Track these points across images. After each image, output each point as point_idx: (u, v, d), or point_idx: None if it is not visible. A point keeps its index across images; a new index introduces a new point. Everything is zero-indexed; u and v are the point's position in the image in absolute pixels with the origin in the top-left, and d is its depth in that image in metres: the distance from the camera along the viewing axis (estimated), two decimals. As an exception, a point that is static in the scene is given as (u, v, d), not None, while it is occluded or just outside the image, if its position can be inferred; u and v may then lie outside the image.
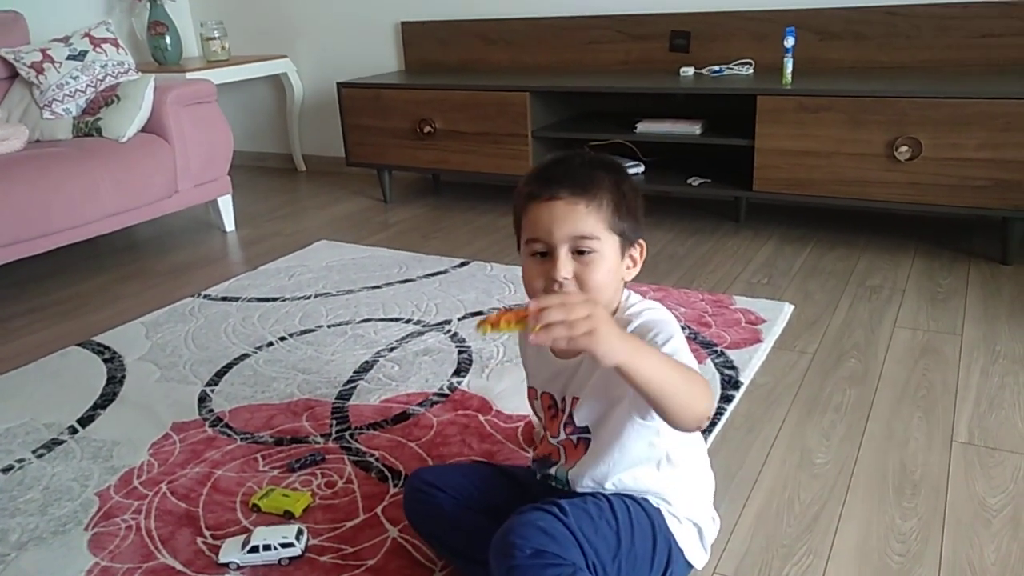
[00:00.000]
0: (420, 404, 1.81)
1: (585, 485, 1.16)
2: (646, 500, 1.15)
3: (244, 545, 1.31)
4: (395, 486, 1.52)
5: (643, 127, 2.99)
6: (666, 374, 0.96)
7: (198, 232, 3.33)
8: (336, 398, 1.86)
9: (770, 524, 1.39)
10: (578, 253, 1.05)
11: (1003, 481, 1.47)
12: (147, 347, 2.19)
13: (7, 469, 1.65)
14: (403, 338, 2.16)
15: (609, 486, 1.15)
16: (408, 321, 2.27)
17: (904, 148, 2.47)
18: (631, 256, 1.12)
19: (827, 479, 1.50)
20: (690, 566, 1.20)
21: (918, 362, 1.90)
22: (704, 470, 1.25)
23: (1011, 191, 2.39)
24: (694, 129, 2.90)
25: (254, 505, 1.45)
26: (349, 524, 1.41)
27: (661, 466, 1.15)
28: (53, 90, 2.97)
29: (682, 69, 3.12)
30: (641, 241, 1.12)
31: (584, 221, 1.05)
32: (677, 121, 2.95)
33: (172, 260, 2.98)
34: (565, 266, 1.05)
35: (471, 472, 1.32)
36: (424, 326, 2.23)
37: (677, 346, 1.06)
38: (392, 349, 2.10)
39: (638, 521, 1.12)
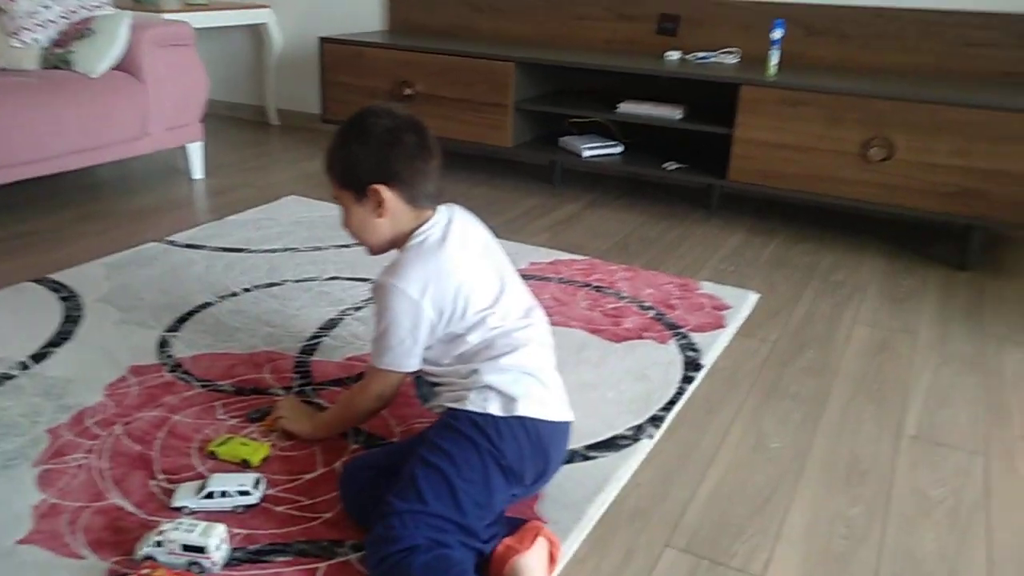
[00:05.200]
0: (384, 364, 1.80)
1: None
2: (461, 409, 1.25)
3: (199, 490, 1.30)
4: (355, 443, 1.51)
5: (624, 107, 2.99)
6: (337, 425, 1.49)
7: (165, 177, 3.26)
8: (300, 352, 1.85)
9: (723, 503, 1.41)
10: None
11: (946, 475, 1.52)
12: (107, 288, 2.15)
13: (-44, 400, 1.61)
14: (370, 299, 2.14)
15: (439, 391, 1.37)
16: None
17: (879, 149, 2.51)
18: (371, 201, 1.34)
19: (781, 463, 1.53)
20: (523, 427, 1.25)
21: (874, 357, 1.95)
22: (498, 344, 1.31)
23: (976, 200, 2.44)
24: (675, 114, 2.91)
25: (211, 452, 1.44)
26: (307, 477, 1.41)
27: (455, 364, 1.33)
28: (23, 18, 2.87)
29: (667, 53, 3.12)
30: (372, 187, 1.33)
31: (332, 187, 1.40)
32: (659, 104, 2.96)
33: (137, 203, 2.91)
34: (341, 219, 1.42)
35: (399, 445, 1.41)
36: (392, 288, 2.21)
37: (383, 331, 1.33)
38: (359, 309, 2.09)
39: (455, 446, 1.21)
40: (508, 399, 1.26)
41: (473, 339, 1.32)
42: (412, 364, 1.35)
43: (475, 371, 1.29)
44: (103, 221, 2.71)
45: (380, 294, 1.33)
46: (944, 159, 2.45)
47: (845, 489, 1.46)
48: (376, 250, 1.43)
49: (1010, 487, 1.49)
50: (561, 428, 1.33)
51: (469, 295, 1.32)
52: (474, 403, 1.26)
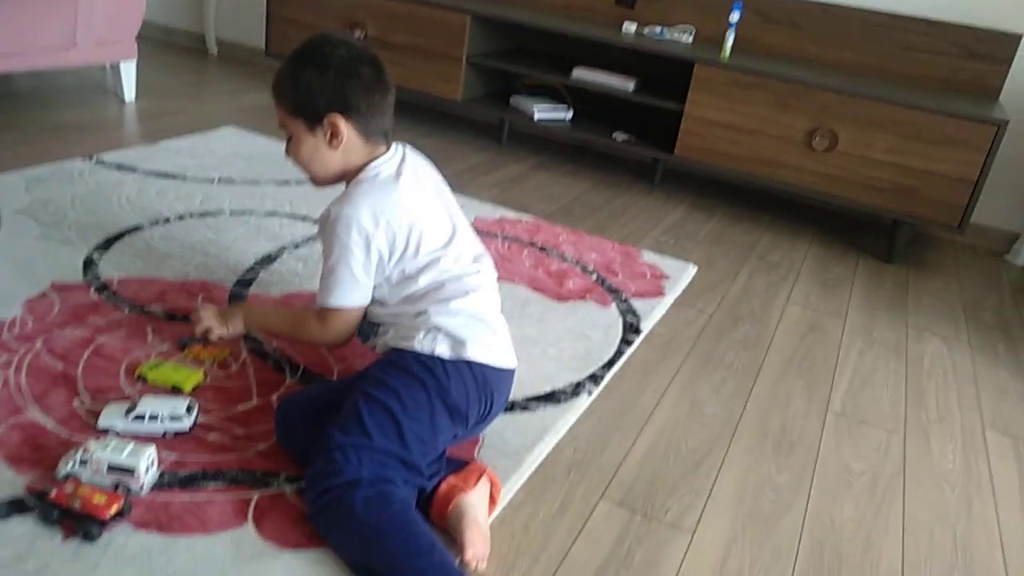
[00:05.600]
0: (324, 303, 1.76)
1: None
2: (408, 350, 1.23)
3: (128, 412, 1.24)
4: (291, 377, 1.47)
5: (578, 73, 2.98)
6: (276, 330, 1.49)
7: (92, 95, 3.07)
8: (235, 284, 1.78)
9: (657, 461, 1.44)
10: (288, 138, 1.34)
11: (867, 450, 1.58)
12: (27, 201, 2.01)
13: None
14: (310, 238, 2.08)
15: (383, 331, 1.34)
16: (317, 222, 2.18)
17: (822, 139, 2.58)
18: (326, 131, 1.29)
19: (713, 429, 1.57)
20: (478, 370, 1.24)
21: (805, 337, 2.01)
22: (449, 288, 1.30)
23: (906, 197, 2.54)
24: (628, 85, 2.91)
25: (140, 375, 1.38)
26: (241, 407, 1.36)
27: (403, 305, 1.30)
28: (-55, -97, 2.64)
29: (625, 24, 3.11)
30: (330, 116, 1.27)
31: (279, 113, 1.33)
32: (612, 74, 2.95)
33: (60, 118, 2.74)
34: (286, 146, 1.35)
35: (337, 384, 1.39)
36: (333, 229, 2.15)
37: (333, 265, 1.28)
38: (298, 247, 2.02)
39: (401, 383, 1.19)
40: (457, 342, 1.24)
41: (423, 281, 1.29)
42: (363, 299, 1.31)
43: (423, 312, 1.27)
44: (23, 132, 2.54)
45: (330, 225, 1.27)
46: (881, 155, 2.54)
47: (774, 458, 1.51)
48: (322, 182, 1.38)
49: (924, 465, 1.56)
50: (506, 374, 1.32)
51: (422, 234, 1.29)
52: (422, 344, 1.24)
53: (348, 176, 1.34)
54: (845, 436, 1.62)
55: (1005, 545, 1.37)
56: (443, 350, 1.23)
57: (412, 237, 1.28)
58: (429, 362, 1.22)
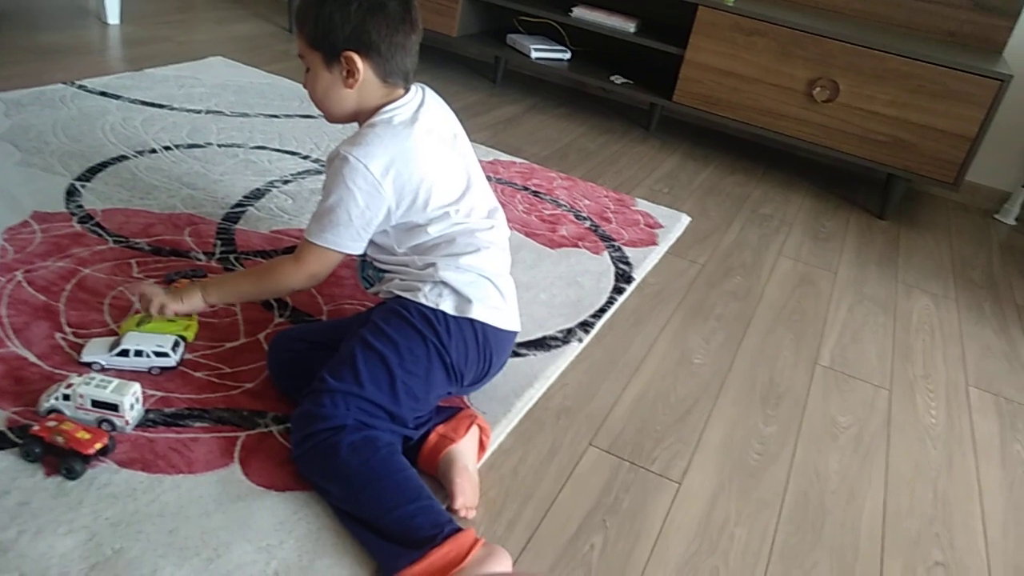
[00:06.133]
0: (313, 241, 1.73)
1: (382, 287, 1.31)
2: (412, 300, 1.20)
3: (113, 347, 1.22)
4: (280, 316, 1.45)
5: (578, 12, 2.90)
6: (238, 294, 1.34)
7: (73, 17, 2.96)
8: (223, 219, 1.74)
9: (646, 410, 1.44)
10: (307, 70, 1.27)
11: (853, 404, 1.59)
12: (6, 126, 1.95)
13: None
14: (299, 173, 2.04)
15: (388, 278, 1.28)
16: (306, 158, 2.14)
17: (823, 90, 2.53)
18: (342, 69, 1.22)
19: (702, 379, 1.57)
20: (481, 329, 1.22)
21: (795, 290, 2.01)
22: (460, 242, 1.25)
23: (904, 151, 2.51)
24: (628, 26, 2.84)
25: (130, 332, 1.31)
26: (228, 345, 1.34)
27: (411, 255, 1.25)
28: None
29: (627, -38, 3.02)
30: (347, 53, 1.20)
31: (299, 43, 1.26)
32: (613, 14, 2.88)
33: (40, 40, 2.65)
34: (304, 78, 1.29)
35: (333, 322, 1.35)
36: (322, 165, 2.11)
37: (333, 206, 1.20)
38: (287, 182, 1.98)
39: (401, 334, 1.16)
40: (463, 299, 1.21)
41: (433, 231, 1.24)
42: (357, 247, 1.23)
43: (432, 265, 1.22)
44: (1, 53, 2.45)
45: (338, 166, 1.19)
46: (882, 108, 2.50)
47: (761, 409, 1.51)
48: (335, 120, 1.30)
49: (909, 420, 1.58)
50: (508, 337, 1.29)
51: (432, 187, 1.22)
52: (427, 297, 1.20)
53: (362, 117, 1.27)
54: (832, 389, 1.62)
55: (984, 499, 1.39)
56: (448, 306, 1.20)
57: (422, 189, 1.21)
58: (432, 316, 1.19)
